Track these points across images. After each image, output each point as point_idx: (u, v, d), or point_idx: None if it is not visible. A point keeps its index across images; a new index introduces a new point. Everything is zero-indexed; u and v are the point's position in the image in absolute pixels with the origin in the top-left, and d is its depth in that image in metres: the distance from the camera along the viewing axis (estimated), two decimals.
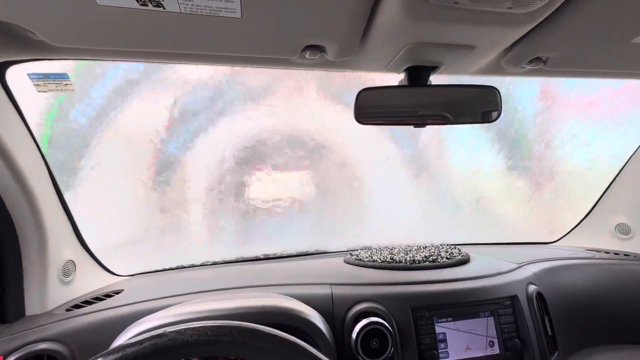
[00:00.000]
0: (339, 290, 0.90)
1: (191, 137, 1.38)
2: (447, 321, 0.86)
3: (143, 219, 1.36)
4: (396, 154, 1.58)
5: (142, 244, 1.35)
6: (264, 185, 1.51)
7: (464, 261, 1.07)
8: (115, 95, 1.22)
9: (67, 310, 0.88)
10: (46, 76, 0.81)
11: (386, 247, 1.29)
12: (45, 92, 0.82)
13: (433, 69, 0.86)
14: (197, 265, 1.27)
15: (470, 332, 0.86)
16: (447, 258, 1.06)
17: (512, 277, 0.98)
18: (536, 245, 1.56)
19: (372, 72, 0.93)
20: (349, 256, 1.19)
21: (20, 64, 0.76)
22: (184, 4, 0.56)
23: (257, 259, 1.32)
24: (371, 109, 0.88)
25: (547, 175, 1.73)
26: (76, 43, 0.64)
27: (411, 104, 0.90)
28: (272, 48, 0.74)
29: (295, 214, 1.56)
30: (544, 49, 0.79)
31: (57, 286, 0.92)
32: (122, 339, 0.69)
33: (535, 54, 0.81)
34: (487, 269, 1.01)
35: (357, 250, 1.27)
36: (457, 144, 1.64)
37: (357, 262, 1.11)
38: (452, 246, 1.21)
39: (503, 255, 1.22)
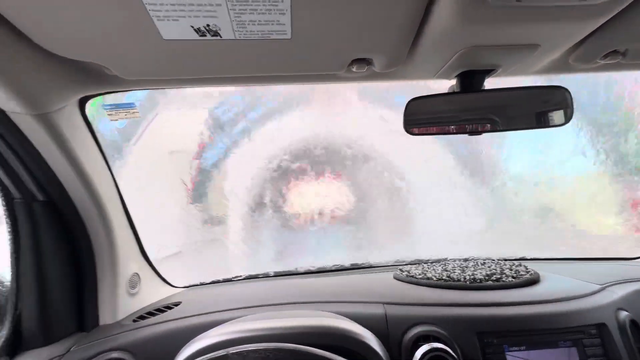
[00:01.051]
0: (393, 310, 0.86)
1: (231, 149, 1.44)
2: (520, 350, 0.77)
3: (191, 233, 1.44)
4: (448, 160, 1.50)
5: (190, 256, 1.43)
6: (306, 198, 1.52)
7: (534, 281, 0.95)
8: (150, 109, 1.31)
9: (134, 320, 0.95)
10: (117, 106, 0.90)
11: (439, 262, 1.21)
12: (116, 120, 0.91)
13: (489, 72, 0.80)
14: (246, 278, 1.29)
15: None
16: (512, 277, 0.95)
17: (596, 300, 0.85)
18: (616, 261, 1.35)
19: (421, 80, 0.89)
20: (399, 272, 1.13)
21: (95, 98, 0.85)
22: (238, 31, 0.59)
23: (306, 273, 1.32)
24: (421, 118, 0.84)
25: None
26: (144, 75, 0.71)
27: (465, 110, 0.85)
28: (320, 65, 0.74)
29: (339, 226, 1.54)
30: (622, 41, 0.70)
31: (125, 298, 0.99)
32: (184, 354, 0.72)
33: (611, 47, 0.72)
34: (563, 290, 0.89)
35: (406, 265, 1.21)
36: (521, 146, 1.50)
37: (409, 279, 1.05)
38: (517, 263, 1.09)
39: (579, 273, 1.07)
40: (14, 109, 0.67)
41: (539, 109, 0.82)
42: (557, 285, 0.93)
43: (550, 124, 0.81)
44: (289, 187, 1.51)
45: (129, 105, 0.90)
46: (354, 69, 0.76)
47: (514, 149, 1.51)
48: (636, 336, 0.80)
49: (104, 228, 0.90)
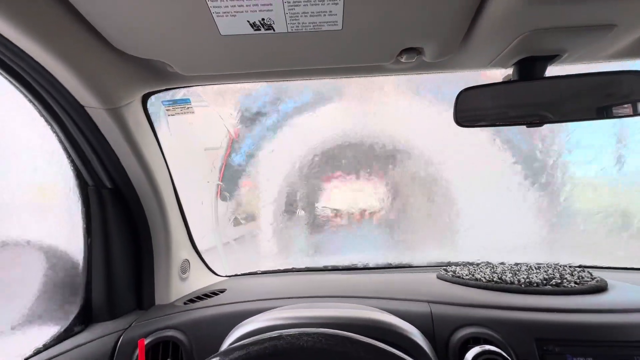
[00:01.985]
0: (439, 309, 0.82)
1: (265, 145, 1.45)
2: None
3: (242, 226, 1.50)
4: (501, 159, 1.41)
5: (235, 247, 1.49)
6: (346, 195, 1.51)
7: (601, 288, 0.86)
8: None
9: (185, 303, 1.01)
10: (174, 102, 0.97)
11: (486, 265, 1.14)
12: (173, 115, 0.98)
13: (552, 58, 0.74)
14: (287, 271, 1.32)
15: None
16: (575, 282, 0.87)
17: None
18: None
19: (474, 70, 0.85)
20: (443, 272, 1.08)
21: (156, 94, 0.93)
22: (291, 23, 0.60)
23: (347, 269, 1.32)
24: (474, 109, 0.80)
25: None
26: (202, 71, 0.75)
27: (523, 100, 0.79)
28: (369, 56, 0.74)
29: (377, 224, 1.51)
30: None
31: (177, 281, 1.07)
32: (234, 336, 0.75)
33: None
34: (636, 300, 0.79)
35: (451, 265, 1.15)
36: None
37: (455, 279, 1.00)
38: (579, 269, 0.99)
39: None
40: (90, 103, 0.75)
41: (610, 97, 0.74)
42: (627, 295, 0.84)
43: (622, 114, 0.73)
44: (329, 184, 1.51)
45: (185, 102, 0.97)
46: (402, 59, 0.74)
47: (581, 147, 1.37)
48: None
49: (161, 216, 0.98)
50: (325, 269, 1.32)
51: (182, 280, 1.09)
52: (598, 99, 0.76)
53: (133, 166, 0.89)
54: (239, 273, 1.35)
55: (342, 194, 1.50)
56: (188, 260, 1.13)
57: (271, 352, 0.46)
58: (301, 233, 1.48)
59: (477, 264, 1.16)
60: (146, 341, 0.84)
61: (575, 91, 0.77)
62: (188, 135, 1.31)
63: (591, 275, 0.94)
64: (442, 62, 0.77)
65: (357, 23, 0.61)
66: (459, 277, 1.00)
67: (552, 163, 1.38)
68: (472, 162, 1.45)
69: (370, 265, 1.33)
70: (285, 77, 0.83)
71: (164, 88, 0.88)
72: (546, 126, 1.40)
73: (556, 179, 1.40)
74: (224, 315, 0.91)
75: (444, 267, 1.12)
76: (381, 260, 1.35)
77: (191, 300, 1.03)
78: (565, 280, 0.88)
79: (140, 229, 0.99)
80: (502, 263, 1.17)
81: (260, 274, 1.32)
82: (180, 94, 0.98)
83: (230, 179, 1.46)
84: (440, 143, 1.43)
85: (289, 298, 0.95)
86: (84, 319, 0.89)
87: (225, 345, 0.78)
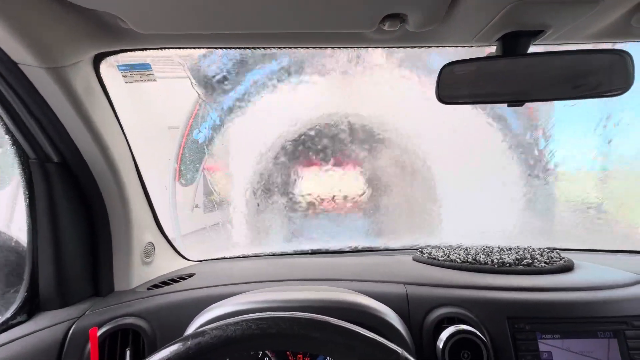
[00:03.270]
0: (415, 290, 0.81)
1: (240, 126, 1.33)
2: (554, 338, 0.71)
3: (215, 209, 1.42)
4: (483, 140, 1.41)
5: (208, 232, 1.41)
6: (323, 179, 1.47)
7: (568, 268, 0.89)
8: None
9: (148, 289, 0.94)
10: (132, 67, 0.86)
11: (459, 247, 1.15)
12: (131, 82, 0.88)
13: (536, 35, 0.72)
14: (262, 255, 1.27)
15: (584, 355, 0.70)
16: (545, 262, 0.89)
17: (638, 291, 0.78)
18: None
19: (458, 45, 0.81)
20: (419, 254, 1.08)
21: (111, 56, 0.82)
22: None
23: (322, 252, 1.29)
24: (457, 85, 0.77)
25: None
26: (161, 28, 0.66)
27: (507, 77, 0.76)
28: (348, 20, 0.67)
29: (355, 208, 1.49)
30: None
31: (140, 266, 0.99)
32: (198, 322, 0.70)
33: None
34: (601, 279, 0.82)
35: (427, 247, 1.15)
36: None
37: (430, 260, 1.00)
38: (548, 250, 1.02)
39: (614, 263, 0.99)
40: (25, 60, 0.64)
41: (592, 75, 0.73)
42: (593, 274, 0.87)
43: (605, 93, 0.72)
44: (304, 168, 1.45)
45: (145, 67, 0.86)
46: (385, 27, 0.69)
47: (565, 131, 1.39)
48: None
49: (119, 194, 0.89)
50: (301, 253, 1.28)
51: (146, 265, 1.01)
52: (580, 79, 0.75)
53: (84, 137, 0.79)
54: (210, 257, 1.28)
55: (317, 178, 1.45)
56: (153, 243, 1.05)
57: (195, 351, 0.41)
58: (276, 218, 1.43)
59: (452, 246, 1.16)
60: (102, 330, 0.77)
61: (558, 69, 0.76)
62: (149, 109, 1.19)
63: (559, 255, 0.96)
64: (426, 33, 0.73)
65: None
66: (434, 258, 1.00)
67: (528, 150, 1.41)
68: (450, 147, 1.45)
69: (347, 248, 1.31)
70: (258, 42, 0.75)
71: (119, 49, 0.77)
72: (525, 112, 1.42)
73: (532, 166, 1.43)
74: (190, 301, 0.86)
75: (420, 250, 1.11)
76: (358, 243, 1.34)
77: (156, 286, 0.96)
78: (535, 261, 0.90)
79: (95, 209, 0.90)
80: (476, 246, 1.19)
81: (232, 258, 1.26)
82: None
83: (193, 160, 1.35)
84: (418, 124, 1.41)
85: (262, 282, 0.91)
86: (30, 308, 0.80)
87: (189, 332, 0.72)
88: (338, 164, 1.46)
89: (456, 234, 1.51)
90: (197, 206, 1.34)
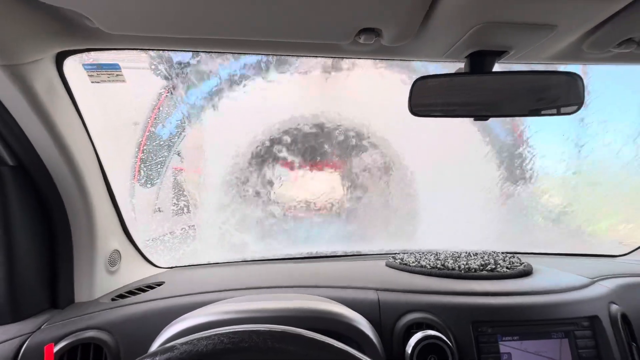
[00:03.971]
0: (386, 297, 0.83)
1: (212, 125, 1.27)
2: (513, 340, 0.76)
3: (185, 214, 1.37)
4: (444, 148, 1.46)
5: (179, 238, 1.36)
6: (296, 184, 1.46)
7: (527, 272, 0.95)
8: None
9: (113, 299, 0.89)
10: (99, 67, 0.82)
11: (430, 252, 1.20)
12: (98, 82, 0.83)
13: (500, 54, 0.77)
14: (235, 262, 1.25)
15: (540, 355, 0.75)
16: (507, 268, 0.94)
17: (588, 293, 0.85)
18: (603, 258, 1.37)
19: (429, 60, 0.85)
20: (391, 260, 1.11)
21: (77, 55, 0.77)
22: None
23: (295, 258, 1.28)
24: (428, 99, 0.80)
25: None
26: (131, 29, 0.63)
27: (473, 94, 0.81)
28: (324, 33, 0.69)
29: (329, 213, 1.50)
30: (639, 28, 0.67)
31: (104, 275, 0.94)
32: (166, 334, 0.67)
33: (627, 35, 0.69)
34: (556, 282, 0.89)
35: (399, 253, 1.19)
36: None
37: (402, 266, 1.02)
38: (510, 255, 1.08)
39: (568, 267, 1.08)
40: None
41: (549, 95, 0.79)
42: (549, 278, 0.93)
43: (559, 112, 0.79)
44: (277, 172, 1.44)
45: (113, 67, 0.83)
46: (361, 40, 0.70)
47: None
48: (627, 330, 0.80)
49: (82, 199, 0.84)
50: (275, 259, 1.27)
51: (111, 274, 0.96)
52: (538, 97, 0.81)
53: (43, 139, 0.74)
54: (181, 264, 1.24)
55: (291, 181, 1.45)
56: (119, 250, 1.00)
57: None
58: (249, 223, 1.41)
59: (424, 252, 1.20)
60: (59, 345, 0.72)
61: (520, 88, 0.81)
62: (116, 103, 1.11)
63: (520, 260, 1.03)
64: (400, 48, 0.76)
65: None
66: (406, 264, 1.03)
67: (497, 159, 1.49)
68: (426, 154, 1.50)
69: (322, 254, 1.32)
70: (233, 48, 0.74)
71: (84, 48, 0.73)
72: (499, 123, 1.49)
73: (503, 174, 1.51)
74: (158, 311, 0.82)
75: (393, 255, 1.14)
76: (333, 248, 1.35)
77: (121, 296, 0.92)
78: (498, 266, 0.95)
79: (55, 215, 0.84)
80: (445, 250, 1.24)
81: (204, 265, 1.23)
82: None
83: (156, 159, 1.25)
84: (396, 131, 1.44)
85: (235, 290, 0.89)
86: None
87: (155, 346, 0.70)
88: (313, 167, 1.46)
89: (428, 239, 1.57)
90: (159, 210, 1.27)
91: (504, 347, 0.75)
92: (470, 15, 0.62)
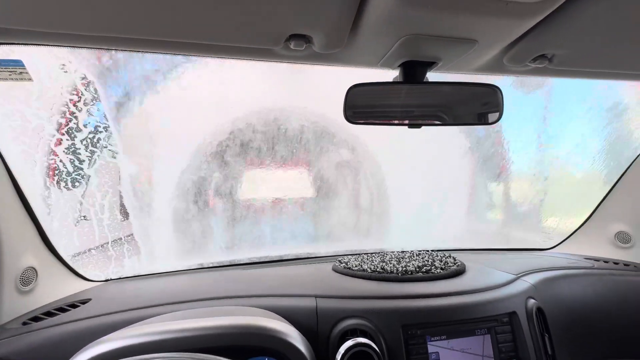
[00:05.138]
0: (324, 304, 0.83)
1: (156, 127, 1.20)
2: (441, 339, 0.80)
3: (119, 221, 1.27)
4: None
5: (117, 247, 1.26)
6: (249, 184, 1.42)
7: (459, 272, 1.00)
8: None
9: (24, 323, 0.80)
10: None
11: (378, 253, 1.22)
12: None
13: (430, 64, 0.79)
14: (175, 272, 1.19)
15: (465, 352, 0.80)
16: (441, 268, 0.99)
17: (511, 290, 0.92)
18: (533, 252, 1.50)
19: (365, 67, 0.85)
20: (337, 263, 1.11)
21: None
22: None
23: (240, 264, 1.25)
24: (362, 107, 0.81)
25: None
26: (25, 24, 0.56)
27: (406, 102, 0.83)
28: (253, 37, 0.66)
29: (280, 214, 1.48)
30: (549, 46, 0.73)
31: (14, 296, 0.84)
32: None
33: (540, 51, 0.75)
34: (484, 281, 0.95)
35: (347, 256, 1.20)
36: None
37: (345, 270, 1.04)
38: (447, 254, 1.14)
39: (500, 263, 1.16)
40: None
41: (473, 106, 0.84)
42: (479, 276, 0.99)
43: (482, 122, 0.83)
44: (228, 172, 1.38)
45: (15, 63, 0.73)
46: (291, 46, 0.69)
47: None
48: (541, 323, 0.88)
49: None
50: (219, 267, 1.23)
51: (23, 294, 0.86)
52: (465, 107, 0.85)
53: None
54: (115, 277, 1.15)
55: (242, 180, 1.40)
56: (34, 267, 0.90)
57: None
58: (190, 228, 1.34)
59: (370, 254, 1.23)
60: None
61: (449, 98, 0.85)
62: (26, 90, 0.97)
63: (454, 259, 1.08)
64: (334, 55, 0.76)
65: None
66: (349, 268, 1.04)
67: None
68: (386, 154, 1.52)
69: (269, 258, 1.29)
70: (144, 47, 0.69)
71: None
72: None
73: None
74: (76, 334, 0.75)
75: (339, 259, 1.15)
76: (280, 252, 1.33)
77: (35, 319, 0.82)
78: (433, 267, 1.00)
79: None
80: (392, 251, 1.28)
81: (141, 276, 1.15)
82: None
83: (78, 157, 1.10)
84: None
85: (166, 304, 0.84)
86: None
87: None
88: (266, 165, 1.42)
89: (381, 240, 1.61)
90: (84, 218, 1.16)
91: (432, 347, 0.79)
92: (394, 28, 0.63)
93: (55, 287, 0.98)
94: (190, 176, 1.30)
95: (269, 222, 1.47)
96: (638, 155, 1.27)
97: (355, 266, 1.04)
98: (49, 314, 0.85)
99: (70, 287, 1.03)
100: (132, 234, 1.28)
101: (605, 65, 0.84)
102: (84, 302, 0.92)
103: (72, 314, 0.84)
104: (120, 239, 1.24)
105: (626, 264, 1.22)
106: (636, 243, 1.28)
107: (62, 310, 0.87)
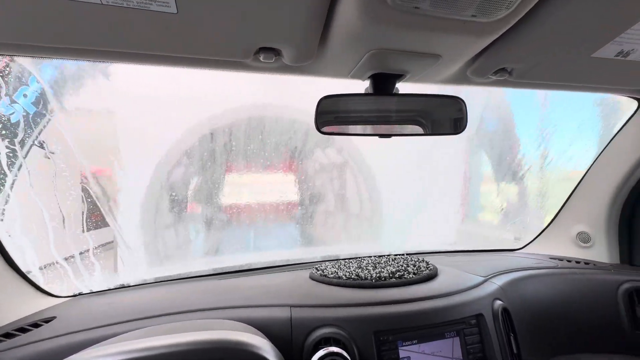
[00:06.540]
0: (299, 313, 0.84)
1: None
2: (412, 344, 0.82)
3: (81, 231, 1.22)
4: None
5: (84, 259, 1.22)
6: (224, 188, 1.40)
7: (431, 276, 1.03)
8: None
9: None
10: None
11: (355, 259, 1.24)
12: None
13: (399, 76, 0.82)
14: (148, 284, 1.15)
15: (435, 355, 0.83)
16: (414, 273, 1.01)
17: (479, 292, 0.96)
18: (502, 252, 1.57)
19: (335, 78, 0.87)
20: (314, 271, 1.12)
21: None
22: None
23: (217, 274, 1.23)
24: (334, 117, 0.82)
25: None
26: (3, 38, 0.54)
27: (376, 113, 0.85)
28: (222, 50, 0.66)
29: (259, 219, 1.48)
30: (508, 60, 0.77)
31: None
32: None
33: (500, 65, 0.79)
34: (454, 284, 0.98)
35: (325, 262, 1.21)
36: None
37: (321, 278, 1.04)
38: (421, 258, 1.17)
39: (470, 265, 1.20)
40: None
41: (441, 116, 0.87)
42: (450, 280, 1.03)
43: (446, 132, 0.87)
44: (204, 176, 1.36)
45: None
46: (261, 58, 0.70)
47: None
48: (507, 323, 0.92)
49: None
50: (194, 277, 1.20)
51: None
52: (432, 118, 0.88)
53: None
54: (84, 291, 1.10)
55: (215, 185, 1.39)
56: None
57: None
58: (162, 235, 1.31)
59: (347, 259, 1.24)
60: None
61: (417, 109, 0.88)
62: None
63: (427, 263, 1.11)
64: (305, 66, 0.77)
65: (194, 10, 0.53)
66: (325, 275, 1.04)
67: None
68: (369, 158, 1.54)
69: (246, 267, 1.28)
70: (109, 58, 0.67)
71: None
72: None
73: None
74: (38, 356, 0.72)
75: (316, 266, 1.16)
76: (257, 259, 1.32)
77: None
78: (406, 272, 1.02)
79: None
80: (369, 256, 1.30)
81: (111, 290, 1.11)
82: None
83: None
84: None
85: (136, 320, 0.82)
86: None
87: None
88: (241, 169, 1.40)
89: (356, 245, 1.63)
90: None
91: (403, 351, 0.81)
92: (361, 41, 0.65)
93: (14, 306, 0.92)
94: (154, 185, 1.27)
95: (238, 230, 1.45)
96: (596, 158, 1.35)
97: (332, 273, 1.05)
98: (8, 335, 0.80)
99: (33, 305, 0.98)
100: (103, 244, 1.23)
101: (563, 78, 0.89)
102: (47, 320, 0.87)
103: (34, 334, 0.80)
104: (88, 250, 1.19)
105: (587, 263, 1.30)
106: (595, 242, 1.37)
107: (22, 330, 0.82)
